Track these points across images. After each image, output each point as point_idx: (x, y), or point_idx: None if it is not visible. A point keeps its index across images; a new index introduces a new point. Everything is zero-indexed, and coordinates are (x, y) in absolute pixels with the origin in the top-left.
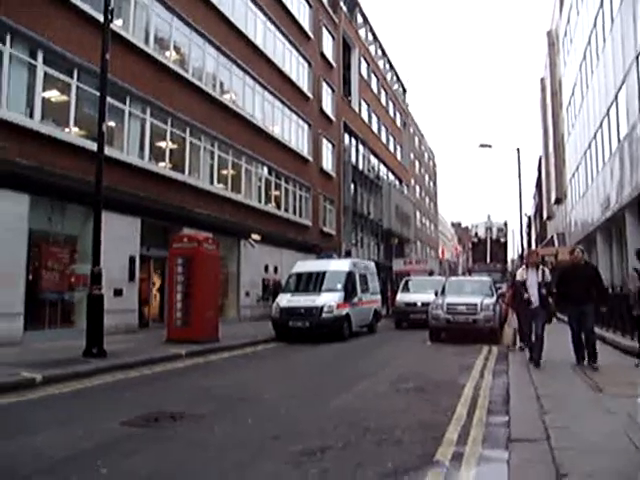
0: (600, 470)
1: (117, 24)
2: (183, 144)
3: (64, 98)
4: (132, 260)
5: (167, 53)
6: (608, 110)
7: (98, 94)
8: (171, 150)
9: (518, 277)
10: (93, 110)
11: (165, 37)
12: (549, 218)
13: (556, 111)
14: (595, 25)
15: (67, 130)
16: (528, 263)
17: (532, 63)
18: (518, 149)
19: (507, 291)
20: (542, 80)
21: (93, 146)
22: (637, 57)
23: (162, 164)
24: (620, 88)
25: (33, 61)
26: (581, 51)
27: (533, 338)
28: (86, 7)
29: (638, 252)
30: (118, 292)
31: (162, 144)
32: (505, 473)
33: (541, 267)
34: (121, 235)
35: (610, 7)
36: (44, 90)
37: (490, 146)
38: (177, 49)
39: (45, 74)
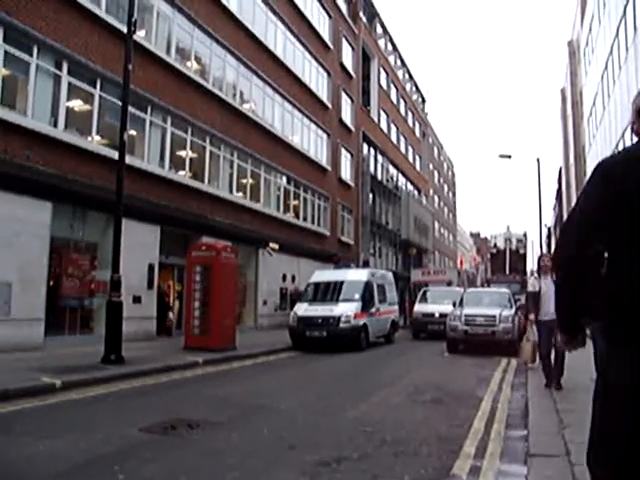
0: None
1: (140, 35)
2: (203, 153)
3: (87, 107)
4: (151, 268)
5: (188, 63)
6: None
7: (120, 103)
8: (191, 159)
9: (530, 287)
10: (115, 119)
11: (186, 47)
12: None
13: (577, 122)
14: (617, 35)
15: (89, 139)
16: (541, 269)
17: (553, 73)
18: (538, 159)
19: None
20: (562, 90)
21: (114, 154)
22: None
23: (182, 173)
24: None
25: (58, 72)
26: (603, 61)
27: (552, 356)
28: (110, 19)
29: None
30: (137, 299)
31: (182, 153)
32: None
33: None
34: (141, 243)
35: (633, 16)
36: (68, 100)
37: (510, 156)
38: (198, 59)
39: (69, 84)
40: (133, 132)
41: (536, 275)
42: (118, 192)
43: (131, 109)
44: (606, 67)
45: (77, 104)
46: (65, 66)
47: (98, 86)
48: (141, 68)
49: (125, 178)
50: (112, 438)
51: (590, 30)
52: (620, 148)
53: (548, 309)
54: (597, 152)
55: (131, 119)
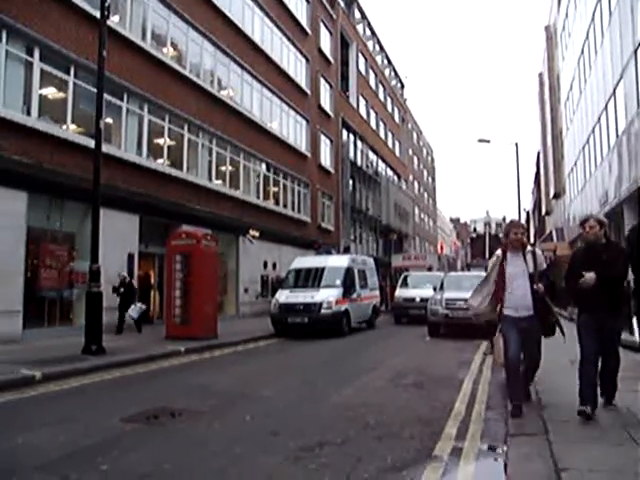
0: (600, 463)
1: (114, 20)
2: (181, 141)
3: (61, 95)
4: (131, 257)
5: (164, 49)
6: (606, 105)
7: (95, 91)
8: (169, 147)
9: (490, 266)
10: (90, 107)
11: (162, 33)
12: (547, 213)
13: (554, 106)
14: (593, 19)
15: (64, 127)
16: (511, 244)
17: (530, 58)
18: (516, 144)
19: None
20: (540, 75)
21: (91, 143)
22: (635, 51)
23: (160, 161)
24: (618, 83)
25: (30, 58)
26: (579, 46)
27: (522, 367)
28: (82, 4)
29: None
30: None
31: (160, 141)
32: (503, 468)
33: (530, 248)
34: (119, 232)
35: (608, 1)
36: (41, 87)
37: (488, 141)
38: (174, 45)
39: (42, 71)
40: (109, 120)
41: (498, 252)
42: (95, 181)
43: (107, 96)
44: (582, 52)
45: (51, 91)
46: (37, 52)
47: (72, 73)
48: (116, 54)
49: (102, 167)
50: (94, 429)
51: (567, 15)
52: (596, 132)
53: (519, 301)
54: (574, 136)
55: (107, 107)
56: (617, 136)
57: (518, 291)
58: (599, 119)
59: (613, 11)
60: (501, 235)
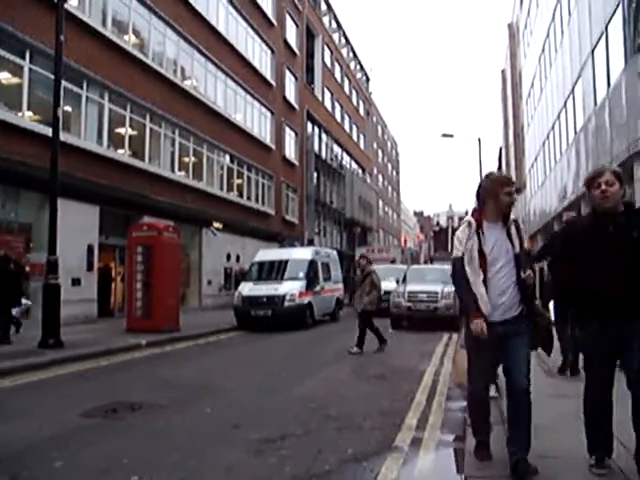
0: (554, 449)
1: (72, 4)
2: (143, 131)
3: (16, 81)
4: (90, 249)
5: (126, 37)
6: (565, 102)
7: (53, 77)
8: (131, 137)
9: (457, 248)
10: (48, 94)
11: (124, 20)
12: None
13: (516, 102)
14: (554, 18)
15: (20, 114)
16: (487, 211)
17: (494, 54)
18: (479, 139)
19: None
20: (503, 72)
21: (48, 131)
22: (592, 51)
23: (121, 151)
24: (577, 81)
25: None
26: (540, 44)
27: (493, 392)
28: None
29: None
30: (76, 281)
31: (121, 130)
32: (462, 456)
33: (513, 220)
34: (79, 223)
35: (568, 1)
36: None
37: (452, 136)
38: (136, 33)
39: None
40: (68, 108)
41: (471, 220)
42: (52, 170)
43: (65, 84)
44: (543, 49)
45: (4, 77)
46: None
47: (27, 58)
48: (75, 40)
49: (61, 156)
50: (50, 424)
51: (528, 13)
52: (556, 129)
53: (499, 295)
54: (535, 132)
55: (66, 94)
56: (575, 133)
57: (499, 280)
58: (559, 116)
59: (572, 11)
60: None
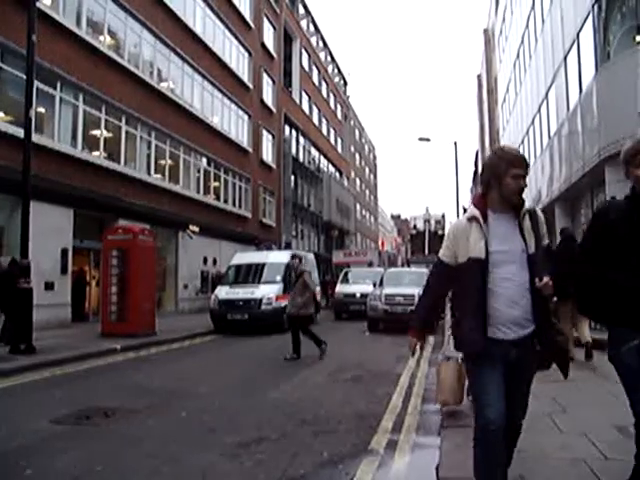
0: (525, 449)
1: (46, 3)
2: (119, 133)
3: None
4: (64, 252)
5: (101, 37)
6: (539, 107)
7: (25, 78)
8: (106, 139)
9: (443, 253)
10: (20, 95)
11: (99, 21)
12: None
13: (492, 107)
14: (527, 25)
15: None
16: (494, 197)
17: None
18: (455, 143)
19: None
20: (479, 77)
21: (20, 132)
22: (565, 58)
23: (96, 153)
24: (550, 87)
25: None
26: (515, 50)
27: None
28: None
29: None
30: (49, 285)
31: (96, 132)
32: (436, 458)
33: (529, 207)
34: (52, 226)
35: (541, 8)
36: None
37: (429, 140)
38: (112, 34)
39: None
40: (41, 109)
41: (474, 213)
42: (25, 173)
43: (38, 84)
44: (518, 55)
45: None
46: None
47: None
48: (48, 40)
49: (33, 158)
50: (19, 432)
51: (504, 19)
52: (530, 133)
53: (509, 307)
54: (510, 136)
55: (39, 95)
56: (549, 137)
57: (507, 289)
58: (533, 121)
59: (545, 18)
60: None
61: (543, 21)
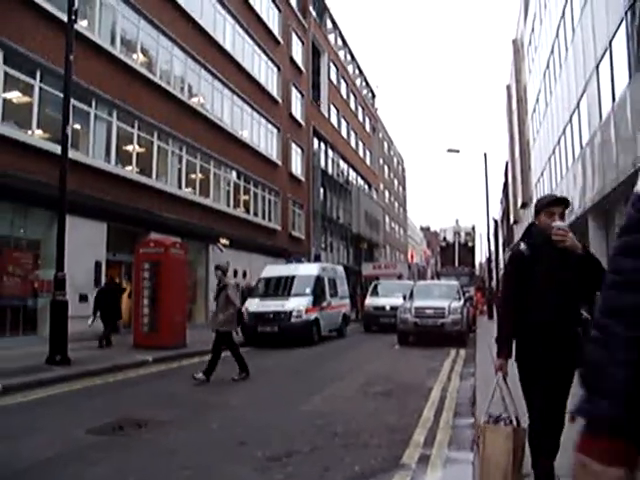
0: (563, 466)
1: (82, 25)
2: (150, 148)
3: (26, 99)
4: (98, 265)
5: (134, 55)
6: (571, 117)
7: (62, 96)
8: (138, 154)
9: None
10: (57, 112)
11: (132, 39)
12: (516, 222)
13: (522, 117)
14: (557, 35)
15: (30, 132)
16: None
17: (499, 70)
18: (485, 154)
19: (475, 294)
20: (508, 87)
21: (57, 149)
22: (597, 66)
23: (129, 168)
24: (582, 96)
25: None
26: (545, 59)
27: None
28: (49, 7)
29: None
30: (83, 298)
31: (129, 147)
32: (470, 474)
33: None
34: (86, 240)
35: (571, 17)
36: (5, 91)
37: (458, 151)
38: (144, 51)
39: (6, 74)
40: (77, 126)
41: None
42: (61, 188)
43: (74, 102)
44: (548, 65)
45: (15, 95)
46: (1, 55)
47: (38, 77)
48: (84, 59)
49: (69, 173)
50: (56, 441)
51: (533, 29)
52: (562, 143)
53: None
54: (541, 147)
55: (75, 112)
56: (581, 147)
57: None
58: (564, 131)
59: (576, 27)
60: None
61: (574, 30)
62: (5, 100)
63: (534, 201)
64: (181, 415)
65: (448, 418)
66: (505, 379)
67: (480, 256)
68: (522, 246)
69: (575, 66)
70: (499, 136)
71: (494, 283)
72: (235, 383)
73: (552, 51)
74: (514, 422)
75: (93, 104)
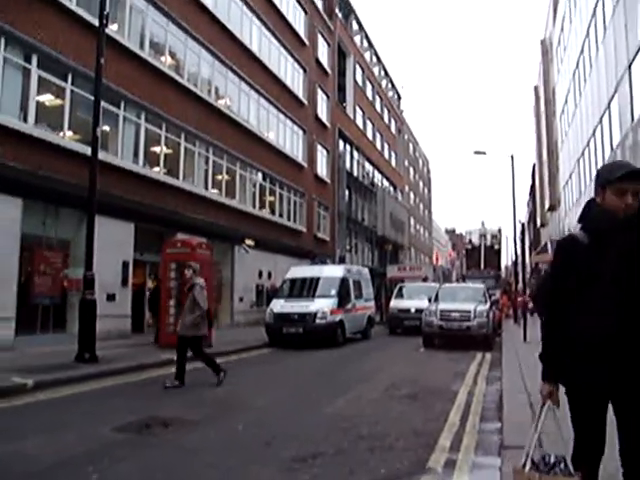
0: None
1: (112, 29)
2: (178, 149)
3: (58, 102)
4: (125, 265)
5: (162, 58)
6: (601, 118)
7: (93, 98)
8: (166, 155)
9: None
10: (88, 114)
11: (160, 42)
12: (543, 225)
13: (550, 119)
14: (588, 34)
15: (61, 134)
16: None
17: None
18: (512, 156)
19: (500, 297)
20: (536, 88)
21: (87, 150)
22: (629, 66)
23: (157, 169)
24: (613, 97)
25: (28, 65)
26: (574, 59)
27: None
28: (81, 11)
29: None
30: (111, 297)
31: (157, 149)
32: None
33: None
34: (114, 240)
35: (603, 16)
36: (38, 94)
37: (484, 153)
38: (172, 54)
39: (39, 78)
40: (106, 127)
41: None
42: (91, 188)
43: (104, 104)
44: (577, 65)
45: (48, 98)
46: (35, 59)
47: (69, 80)
48: (114, 62)
49: (98, 174)
50: (85, 438)
51: (562, 29)
52: (591, 145)
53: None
54: (569, 148)
55: (104, 114)
56: (612, 149)
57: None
58: (594, 132)
59: (608, 26)
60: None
61: (605, 29)
62: (38, 103)
63: (562, 204)
64: (207, 415)
65: (475, 422)
66: (555, 410)
67: (506, 259)
68: (577, 232)
69: (606, 65)
70: (526, 138)
71: (520, 286)
72: (260, 384)
73: (582, 51)
74: (570, 468)
75: (122, 106)
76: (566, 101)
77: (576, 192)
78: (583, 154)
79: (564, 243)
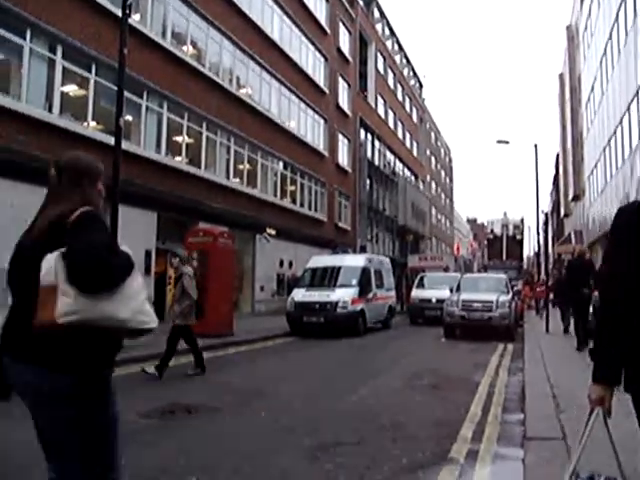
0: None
1: (135, 19)
2: (199, 138)
3: (82, 92)
4: (148, 254)
5: (184, 48)
6: (629, 106)
7: (116, 88)
8: (187, 144)
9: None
10: (111, 104)
11: (182, 32)
12: (566, 215)
13: (575, 107)
14: (617, 19)
15: (85, 124)
16: None
17: (551, 58)
18: (536, 145)
19: (522, 288)
20: (561, 76)
21: (111, 140)
22: None
23: (179, 158)
24: None
25: (52, 56)
26: (602, 45)
27: None
28: (104, 2)
29: None
30: None
31: (179, 138)
32: (521, 471)
33: None
34: (137, 229)
35: (633, 0)
36: (63, 84)
37: (507, 142)
38: (194, 44)
39: (64, 68)
40: (129, 117)
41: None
42: (115, 178)
43: (127, 94)
44: (605, 52)
45: (72, 89)
46: (59, 50)
47: (93, 70)
48: (136, 52)
49: (121, 164)
50: None
51: (589, 14)
52: (618, 134)
53: None
54: (595, 137)
55: (127, 104)
56: None
57: None
58: (621, 120)
59: (638, 9)
60: (518, 237)
61: (635, 14)
62: (63, 93)
63: (586, 194)
64: (230, 402)
65: (496, 413)
66: (606, 419)
67: (528, 249)
68: None
69: (635, 52)
70: (550, 127)
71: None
72: (282, 372)
73: (610, 36)
74: None
75: (144, 96)
76: (592, 89)
77: (601, 182)
78: (609, 143)
79: (627, 213)
